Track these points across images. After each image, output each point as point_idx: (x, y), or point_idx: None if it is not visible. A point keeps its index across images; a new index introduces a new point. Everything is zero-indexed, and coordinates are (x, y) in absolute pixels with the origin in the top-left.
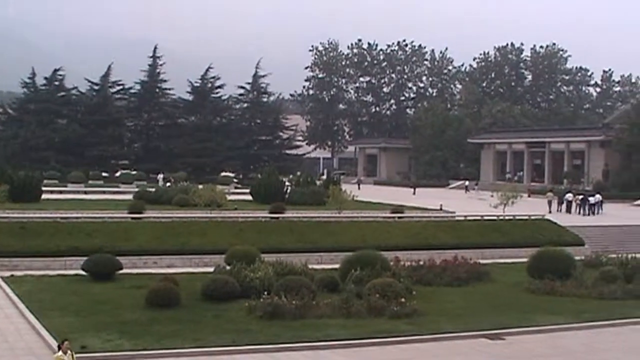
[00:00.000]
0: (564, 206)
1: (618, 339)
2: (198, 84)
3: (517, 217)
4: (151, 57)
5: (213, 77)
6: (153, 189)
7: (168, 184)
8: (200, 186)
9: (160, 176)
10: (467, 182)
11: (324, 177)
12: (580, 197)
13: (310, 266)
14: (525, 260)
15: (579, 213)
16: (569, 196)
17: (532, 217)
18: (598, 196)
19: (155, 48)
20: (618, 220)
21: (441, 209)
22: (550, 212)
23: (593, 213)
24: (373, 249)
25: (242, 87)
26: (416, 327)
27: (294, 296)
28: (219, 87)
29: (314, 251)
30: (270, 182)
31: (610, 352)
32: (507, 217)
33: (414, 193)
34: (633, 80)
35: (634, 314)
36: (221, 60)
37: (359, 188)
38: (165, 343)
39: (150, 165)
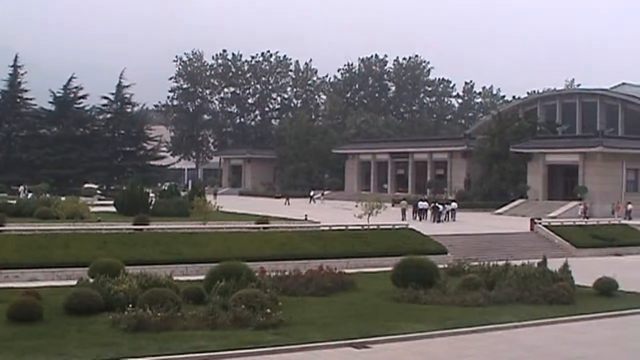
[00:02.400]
0: (418, 214)
1: (480, 344)
2: (60, 94)
3: (382, 227)
4: (12, 66)
5: (76, 87)
6: (14, 201)
7: (30, 195)
8: (63, 198)
9: (22, 188)
10: (312, 192)
11: (198, 188)
12: (433, 205)
13: (175, 278)
14: (389, 269)
15: (434, 221)
16: (423, 204)
17: (396, 227)
18: (454, 204)
19: (16, 57)
20: (480, 228)
21: (306, 219)
22: (403, 219)
23: (448, 220)
24: (238, 259)
25: (106, 98)
26: (282, 337)
27: (159, 308)
28: (82, 97)
29: (179, 263)
30: (134, 194)
31: (473, 358)
32: (371, 227)
33: (287, 203)
34: (494, 92)
35: (495, 320)
36: (84, 70)
37: (215, 198)
38: (28, 358)
39: (11, 176)
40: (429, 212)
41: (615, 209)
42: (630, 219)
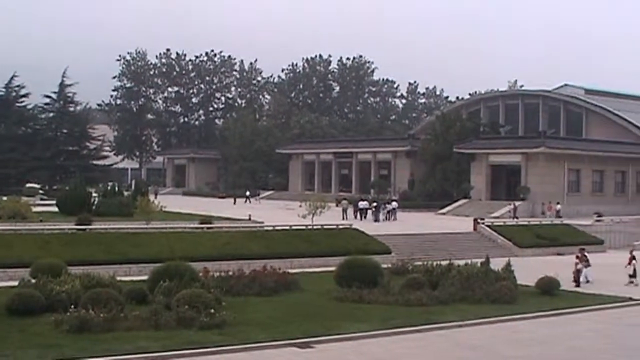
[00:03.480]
0: (359, 214)
1: (424, 344)
2: (2, 93)
3: (325, 227)
4: None
5: (18, 86)
6: None
7: None
8: (5, 198)
9: None
10: (247, 192)
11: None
12: (374, 204)
13: (118, 278)
14: (333, 269)
15: (375, 220)
16: (364, 204)
17: (340, 227)
18: (394, 203)
19: None
20: (424, 228)
21: (250, 219)
22: (344, 219)
23: (388, 219)
24: (182, 259)
25: (48, 97)
26: (226, 337)
27: (102, 309)
28: (24, 95)
29: (122, 263)
30: (76, 193)
31: (415, 358)
32: (315, 227)
33: (234, 203)
34: (437, 92)
35: (438, 319)
36: (27, 68)
37: (155, 197)
38: None
39: None
40: (369, 212)
41: (547, 209)
42: (560, 218)
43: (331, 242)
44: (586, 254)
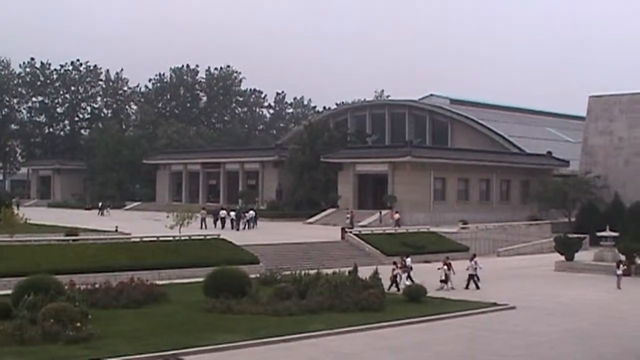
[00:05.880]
0: (219, 222)
1: (293, 353)
2: None
3: (193, 237)
4: None
5: None
6: None
7: None
8: None
9: None
10: (100, 204)
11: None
12: (234, 213)
13: None
14: (202, 279)
15: (233, 228)
16: (223, 213)
17: (208, 237)
18: (252, 212)
19: None
20: (292, 238)
21: (117, 231)
22: (202, 228)
23: (247, 228)
24: (47, 273)
25: None
26: (93, 351)
27: None
28: None
29: None
30: None
31: None
32: (183, 238)
33: (102, 214)
34: (305, 103)
35: (308, 328)
36: None
37: (17, 209)
38: None
39: None
40: (227, 220)
41: (391, 217)
42: (399, 226)
43: (199, 252)
44: (450, 261)
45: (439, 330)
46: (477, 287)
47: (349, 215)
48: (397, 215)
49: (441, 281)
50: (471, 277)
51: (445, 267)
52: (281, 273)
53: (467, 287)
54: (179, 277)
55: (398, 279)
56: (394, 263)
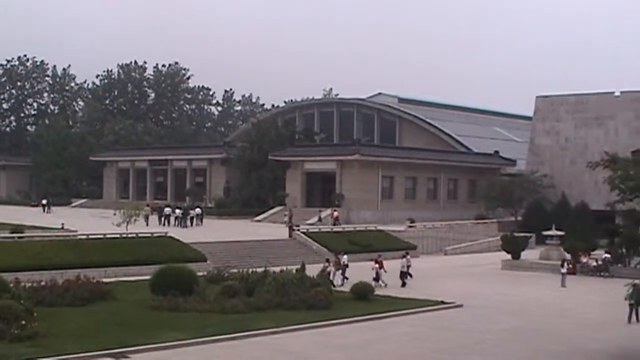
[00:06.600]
0: (164, 220)
1: (240, 351)
2: None
3: (140, 235)
4: None
5: None
6: None
7: None
8: None
9: None
10: (44, 201)
11: None
12: (180, 210)
13: None
14: (149, 277)
15: (178, 225)
16: (168, 210)
17: (155, 235)
18: (198, 210)
19: None
20: (239, 236)
21: (63, 228)
22: (147, 225)
23: (193, 225)
24: None
25: None
26: (39, 349)
27: None
28: None
29: None
30: None
31: None
32: (130, 235)
33: (48, 211)
34: (253, 100)
35: (255, 326)
36: None
37: None
38: None
39: None
40: (172, 218)
41: (330, 217)
42: (339, 224)
43: (146, 250)
44: (382, 260)
45: (386, 328)
46: (403, 285)
47: (287, 213)
48: (335, 214)
49: (373, 279)
50: (403, 274)
51: (377, 265)
52: (228, 271)
53: (403, 285)
54: (126, 274)
55: (331, 276)
56: (327, 260)
